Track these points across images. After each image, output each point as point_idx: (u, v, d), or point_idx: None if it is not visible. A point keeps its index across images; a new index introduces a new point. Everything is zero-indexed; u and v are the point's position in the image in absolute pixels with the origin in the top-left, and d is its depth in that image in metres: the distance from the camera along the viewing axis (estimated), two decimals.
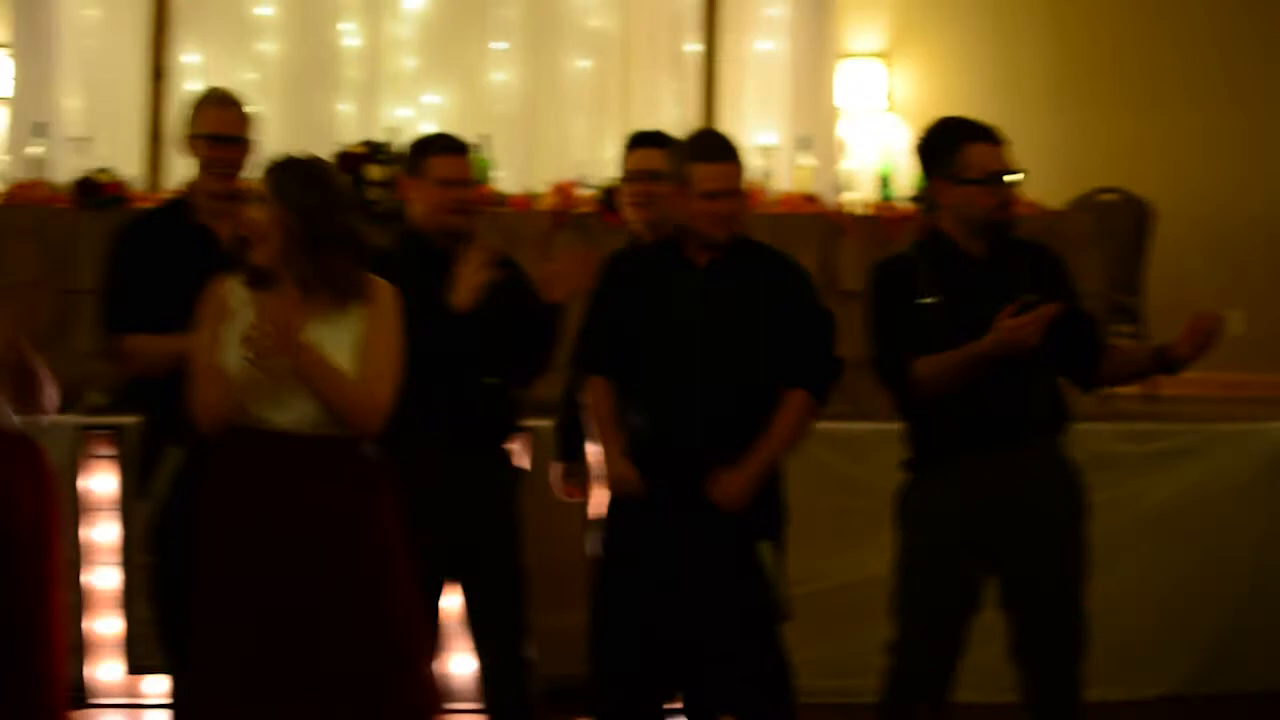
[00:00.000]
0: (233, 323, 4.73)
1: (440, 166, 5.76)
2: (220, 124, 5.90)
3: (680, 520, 5.50)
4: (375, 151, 8.42)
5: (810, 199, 9.09)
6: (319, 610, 4.70)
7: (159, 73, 10.36)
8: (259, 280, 4.79)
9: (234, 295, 4.78)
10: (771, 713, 5.66)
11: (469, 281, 5.56)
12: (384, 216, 8.19)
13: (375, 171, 8.31)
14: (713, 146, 5.60)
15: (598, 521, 5.85)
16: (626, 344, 5.65)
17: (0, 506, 5.13)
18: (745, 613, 5.54)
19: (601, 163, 10.06)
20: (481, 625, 5.92)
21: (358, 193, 8.23)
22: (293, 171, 4.86)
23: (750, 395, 5.52)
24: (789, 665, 5.65)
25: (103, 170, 8.80)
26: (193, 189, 5.95)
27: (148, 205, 8.49)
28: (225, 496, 4.76)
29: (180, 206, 5.97)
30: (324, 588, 4.71)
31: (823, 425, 6.02)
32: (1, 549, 5.10)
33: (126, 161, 9.76)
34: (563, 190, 8.96)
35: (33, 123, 9.68)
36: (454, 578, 5.84)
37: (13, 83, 10.67)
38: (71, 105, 10.52)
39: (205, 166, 5.89)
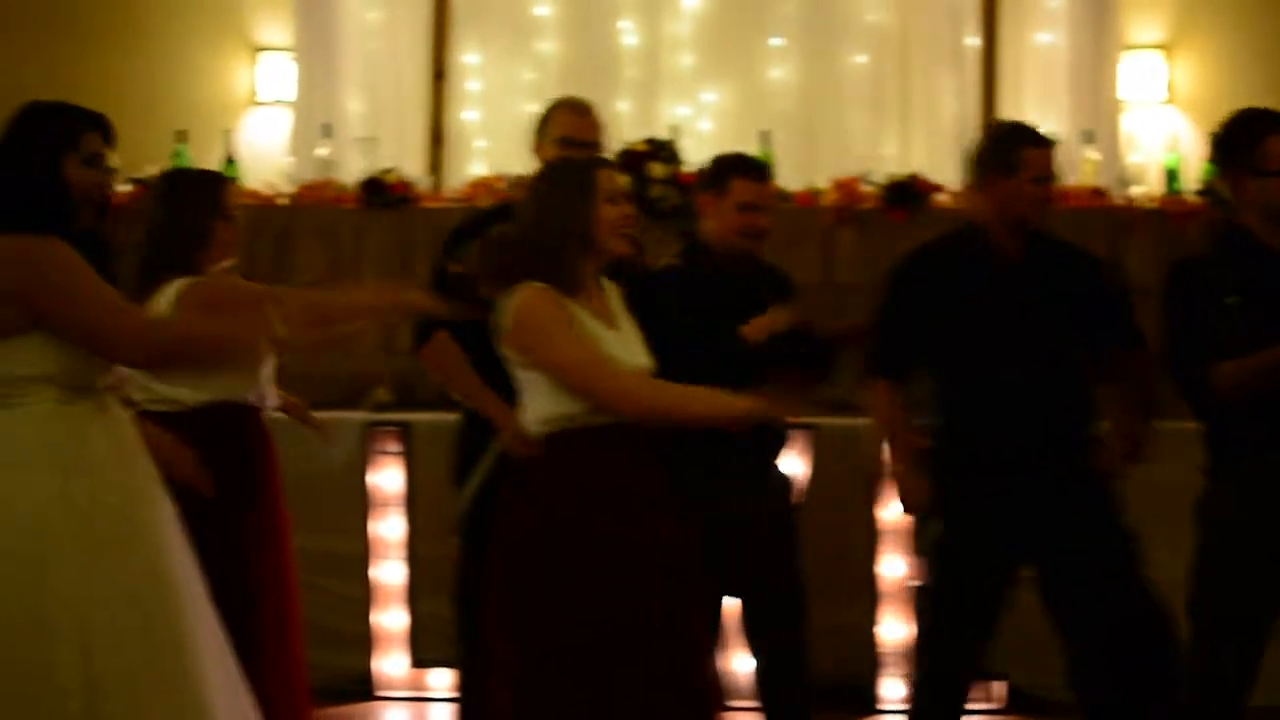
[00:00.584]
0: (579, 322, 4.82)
1: (742, 190, 5.81)
2: (575, 129, 5.97)
3: (1041, 502, 5.50)
4: (658, 150, 8.42)
5: (1098, 193, 8.93)
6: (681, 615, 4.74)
7: (440, 73, 10.44)
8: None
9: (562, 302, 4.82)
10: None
11: (767, 325, 5.58)
12: (666, 215, 8.22)
13: (658, 169, 8.32)
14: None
15: (923, 520, 5.84)
16: (932, 342, 5.63)
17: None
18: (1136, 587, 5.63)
19: (880, 158, 9.99)
20: (762, 629, 5.91)
21: (641, 190, 8.25)
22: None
23: (1073, 375, 5.62)
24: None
25: (389, 170, 8.92)
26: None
27: (433, 205, 8.64)
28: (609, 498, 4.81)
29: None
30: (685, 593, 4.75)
31: None
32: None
33: (408, 162, 9.89)
34: (845, 186, 8.91)
35: (320, 124, 9.83)
36: (736, 582, 5.83)
37: (296, 86, 10.87)
38: (353, 107, 10.67)
39: None
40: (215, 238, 5.62)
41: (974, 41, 10.51)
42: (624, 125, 10.32)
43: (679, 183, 8.33)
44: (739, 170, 5.91)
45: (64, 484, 4.19)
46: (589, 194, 4.90)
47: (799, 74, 10.61)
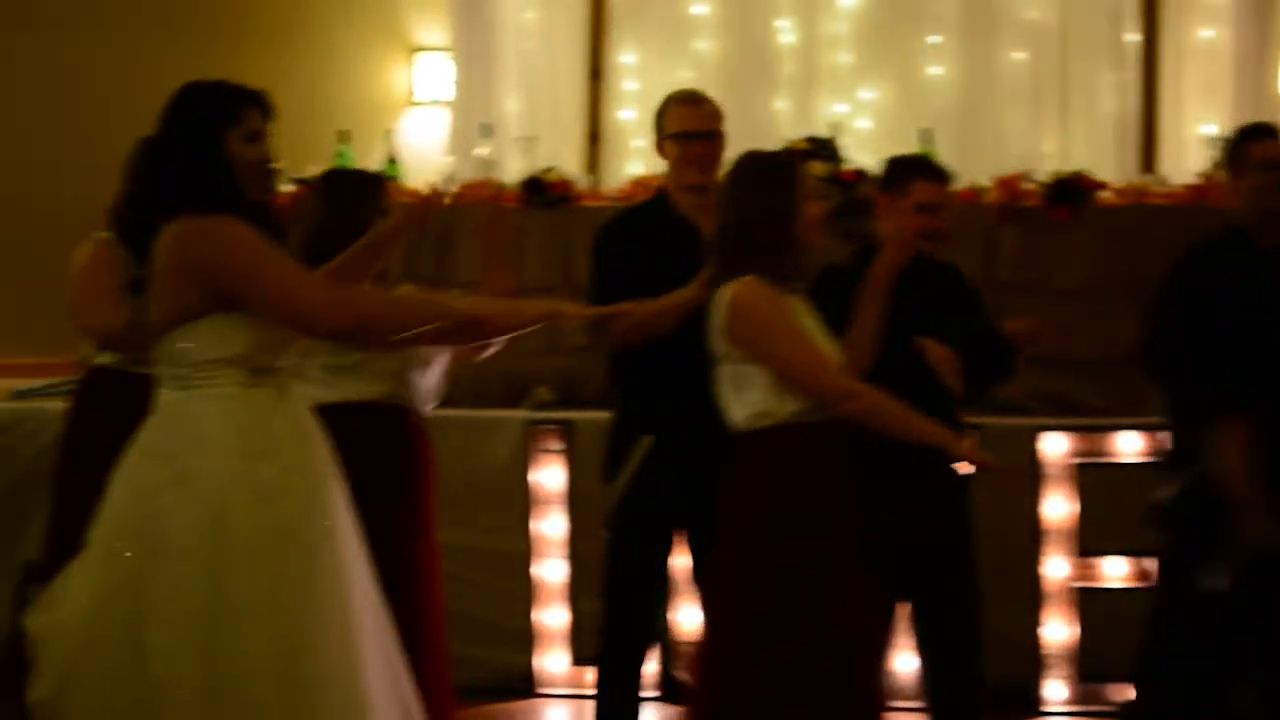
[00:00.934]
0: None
1: (922, 191, 5.77)
2: (691, 122, 5.97)
3: None
4: (819, 148, 8.40)
5: None
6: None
7: (597, 73, 10.48)
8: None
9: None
10: None
11: (944, 357, 5.56)
12: (829, 213, 8.20)
13: (819, 168, 8.29)
14: None
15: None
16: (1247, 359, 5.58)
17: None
18: None
19: (1039, 156, 9.90)
20: (935, 630, 5.87)
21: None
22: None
23: None
24: None
25: (549, 169, 8.96)
26: (671, 185, 6.01)
27: (593, 205, 8.67)
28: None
29: (661, 201, 6.04)
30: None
31: None
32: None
33: (564, 161, 9.92)
34: (1007, 184, 8.84)
35: (479, 124, 9.88)
36: (910, 584, 5.81)
37: (454, 86, 10.95)
38: (511, 107, 10.74)
39: (681, 162, 5.95)
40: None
41: (1134, 38, 10.40)
42: (781, 123, 10.33)
43: (840, 180, 8.30)
44: (919, 172, 5.88)
45: (250, 467, 4.25)
46: (794, 189, 4.96)
47: (957, 71, 10.55)
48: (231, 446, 4.25)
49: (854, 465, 4.97)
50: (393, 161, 9.64)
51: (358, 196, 5.78)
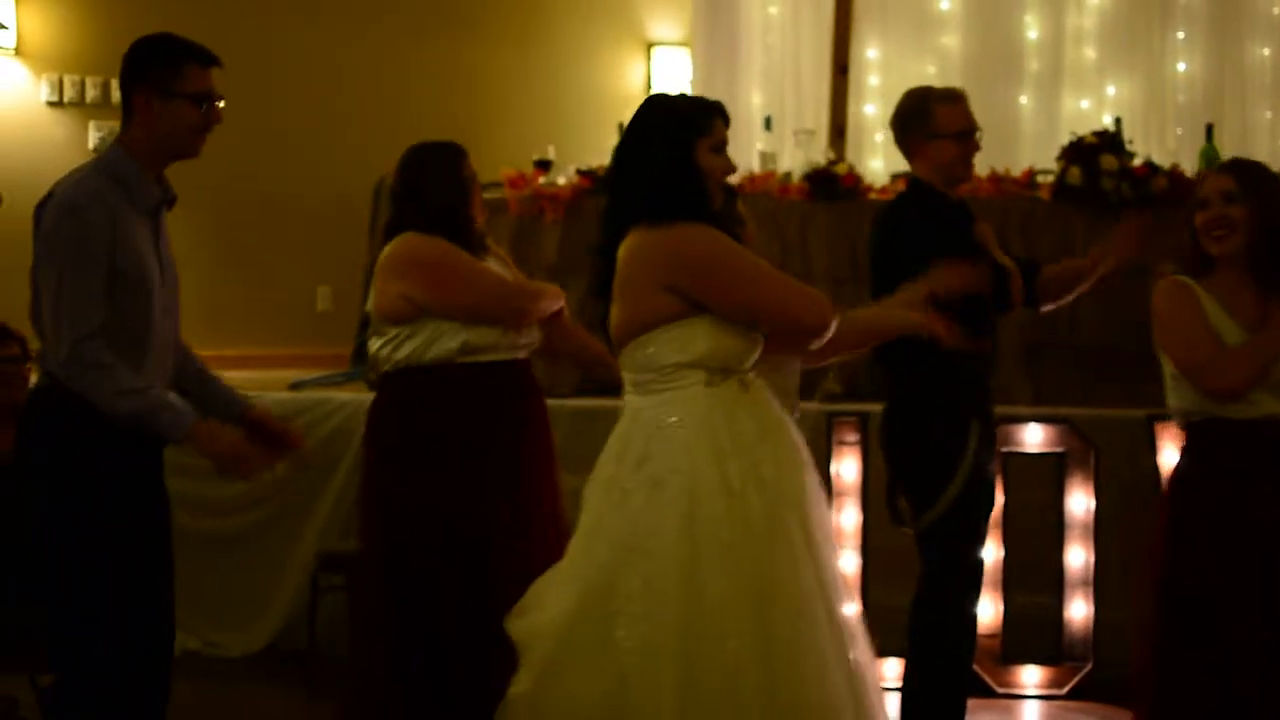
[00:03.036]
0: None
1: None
2: (969, 120, 5.98)
3: None
4: (1109, 141, 8.38)
5: None
6: None
7: (843, 68, 10.49)
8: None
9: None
10: None
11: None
12: (1118, 207, 8.21)
13: (1110, 161, 8.27)
14: None
15: None
16: None
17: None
18: None
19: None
20: None
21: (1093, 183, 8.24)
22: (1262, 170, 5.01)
23: None
24: None
25: (837, 163, 8.99)
26: (939, 181, 5.97)
27: (877, 198, 8.69)
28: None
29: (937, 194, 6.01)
30: None
31: None
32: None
33: (812, 155, 9.94)
34: None
35: (764, 117, 9.94)
36: None
37: (692, 80, 11.02)
38: (755, 100, 10.80)
39: (961, 160, 5.97)
40: None
41: None
42: (1025, 119, 10.35)
43: (1131, 174, 8.28)
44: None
45: (718, 466, 4.29)
46: None
47: (1203, 67, 10.51)
48: (699, 447, 4.31)
49: None
50: None
51: None
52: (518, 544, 5.53)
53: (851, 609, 4.48)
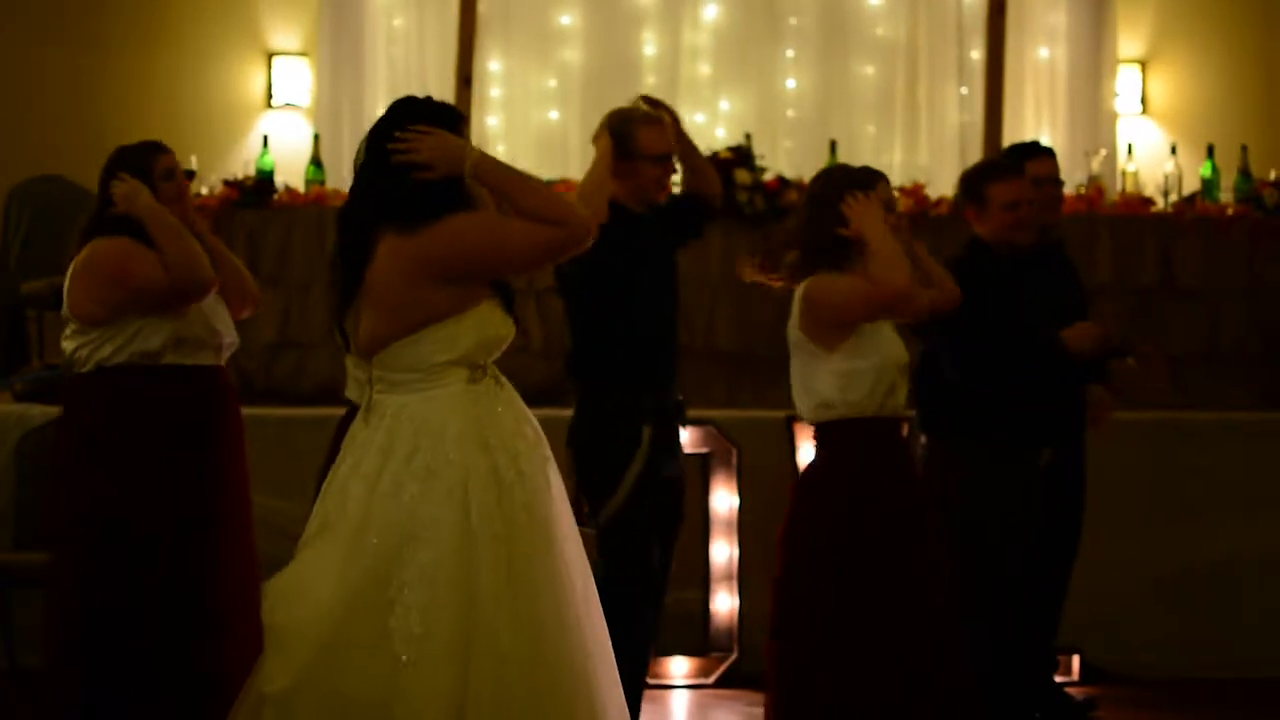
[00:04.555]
0: None
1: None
2: (666, 145, 6.27)
3: None
4: (742, 156, 8.72)
5: (1147, 201, 9.38)
6: None
7: (467, 79, 10.65)
8: None
9: None
10: None
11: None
12: (752, 219, 8.56)
13: (744, 175, 8.62)
14: None
15: None
16: None
17: None
18: None
19: (887, 166, 10.34)
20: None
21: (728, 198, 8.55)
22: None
23: None
24: None
25: None
26: (632, 200, 6.21)
27: None
28: None
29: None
30: None
31: None
32: None
33: None
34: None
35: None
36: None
37: (313, 91, 11.09)
38: (380, 112, 10.85)
39: (656, 183, 6.25)
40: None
41: (978, 55, 10.90)
42: None
43: (763, 188, 8.64)
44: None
45: (489, 458, 4.43)
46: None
47: (811, 84, 11.01)
48: (468, 440, 4.44)
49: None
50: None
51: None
52: (202, 550, 5.60)
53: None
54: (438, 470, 4.39)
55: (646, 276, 6.07)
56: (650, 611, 6.15)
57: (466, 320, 4.47)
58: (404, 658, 4.26)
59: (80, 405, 5.69)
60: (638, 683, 6.05)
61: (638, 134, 6.16)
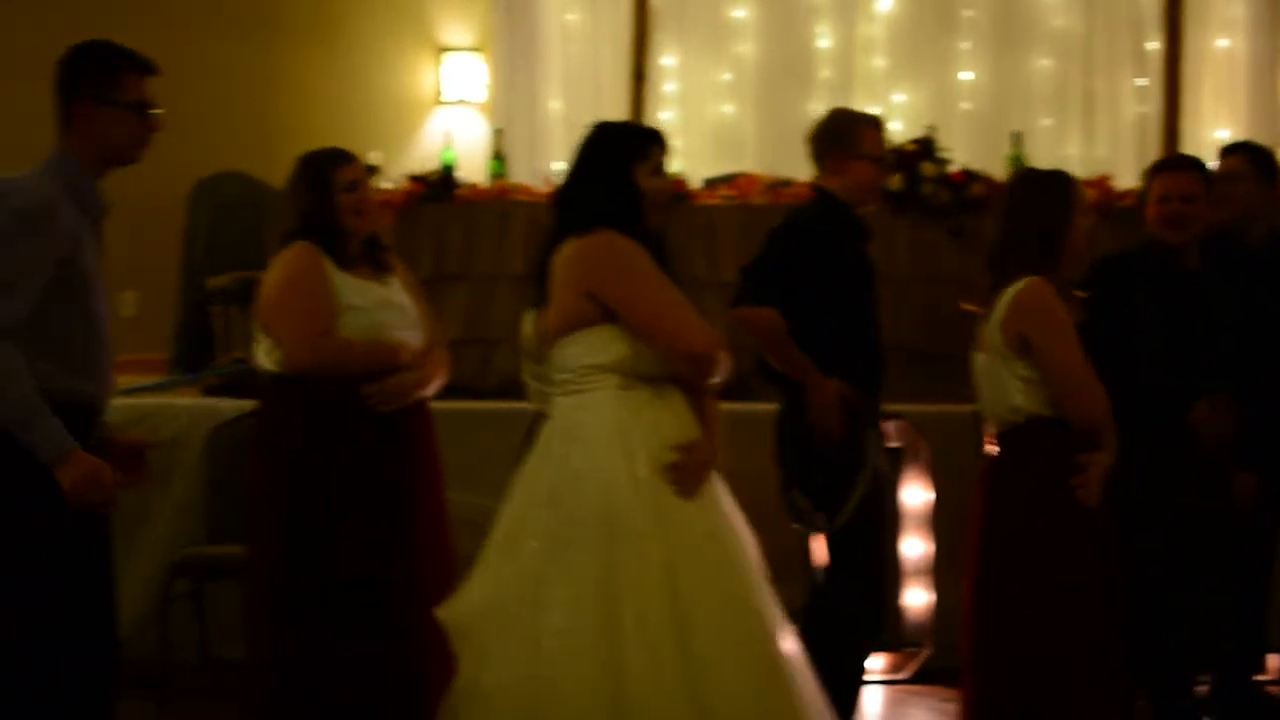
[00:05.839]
0: None
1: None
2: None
3: None
4: (926, 149, 8.68)
5: None
6: None
7: (641, 75, 10.69)
8: None
9: None
10: None
11: None
12: (938, 211, 8.50)
13: (929, 168, 8.58)
14: None
15: None
16: None
17: None
18: None
19: (1065, 159, 10.25)
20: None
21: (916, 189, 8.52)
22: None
23: None
24: None
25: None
26: (851, 198, 6.26)
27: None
28: None
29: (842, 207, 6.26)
30: None
31: None
32: None
33: None
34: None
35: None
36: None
37: (482, 88, 11.16)
38: (554, 108, 10.96)
39: (873, 185, 6.31)
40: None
41: (1155, 46, 10.79)
42: None
43: (948, 180, 8.60)
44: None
45: (629, 463, 4.55)
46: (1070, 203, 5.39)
47: (986, 76, 10.95)
48: (611, 445, 4.57)
49: None
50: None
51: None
52: (404, 558, 5.63)
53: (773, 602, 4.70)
54: (583, 474, 4.53)
55: (868, 277, 6.13)
56: (878, 611, 6.26)
57: (614, 328, 4.62)
58: (552, 650, 4.41)
59: (276, 402, 5.69)
60: (858, 681, 6.13)
61: (861, 134, 6.17)
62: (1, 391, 4.45)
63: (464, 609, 4.61)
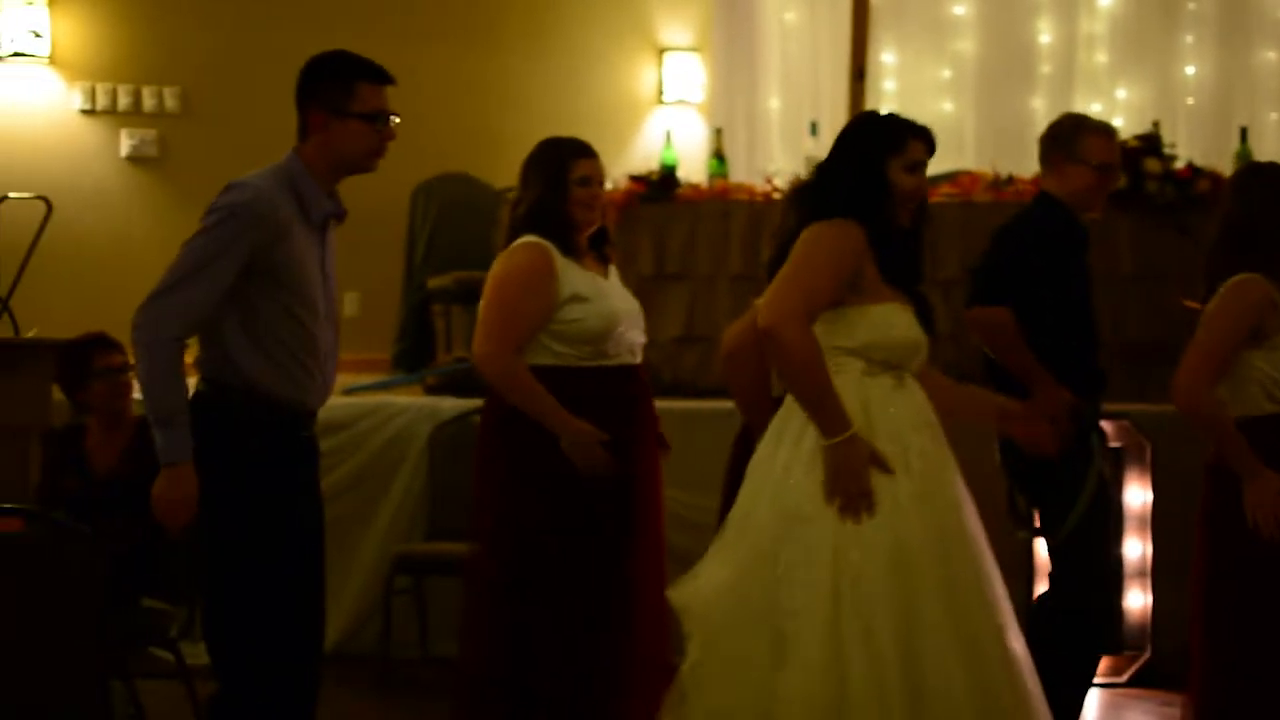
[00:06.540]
0: None
1: None
2: (1115, 154, 6.21)
3: None
4: (1152, 145, 8.58)
5: None
6: None
7: (860, 73, 10.64)
8: None
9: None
10: None
11: None
12: (1164, 209, 8.41)
13: (1154, 164, 8.47)
14: None
15: None
16: None
17: None
18: None
19: None
20: None
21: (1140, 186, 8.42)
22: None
23: None
24: None
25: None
26: (1074, 203, 6.13)
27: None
28: None
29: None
30: None
31: None
32: None
33: None
34: None
35: (810, 123, 10.13)
36: None
37: (701, 89, 11.21)
38: (772, 106, 10.98)
39: (1097, 191, 6.18)
40: None
41: None
42: (1038, 122, 10.50)
43: (1174, 177, 8.49)
44: None
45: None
46: None
47: (1211, 70, 10.78)
48: (859, 427, 4.49)
49: None
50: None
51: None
52: (624, 557, 5.64)
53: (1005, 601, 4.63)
54: (818, 455, 4.48)
55: (1086, 280, 6.08)
56: (1105, 614, 6.22)
57: (869, 314, 4.56)
58: (785, 631, 4.37)
59: (501, 403, 5.67)
60: (1085, 685, 6.06)
61: (1083, 138, 6.09)
62: (162, 389, 4.58)
63: (695, 585, 4.55)
